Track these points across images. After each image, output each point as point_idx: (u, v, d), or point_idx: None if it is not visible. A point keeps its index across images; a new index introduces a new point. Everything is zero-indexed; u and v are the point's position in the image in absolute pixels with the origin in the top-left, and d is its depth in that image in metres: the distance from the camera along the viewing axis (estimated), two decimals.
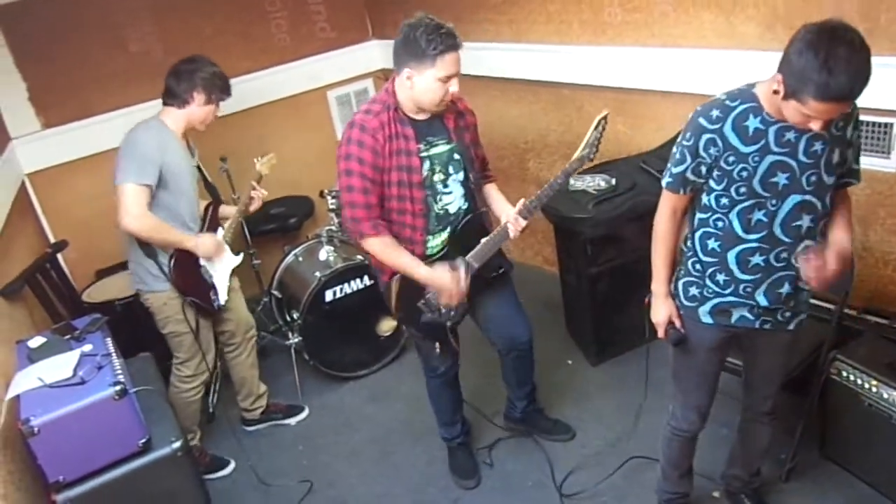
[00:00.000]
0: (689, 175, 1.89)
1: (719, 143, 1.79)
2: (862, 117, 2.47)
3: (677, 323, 2.08)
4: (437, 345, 2.58)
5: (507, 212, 2.46)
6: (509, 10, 3.68)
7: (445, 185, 2.38)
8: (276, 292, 3.72)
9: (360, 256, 3.52)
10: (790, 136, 1.76)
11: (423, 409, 3.09)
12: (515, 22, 3.68)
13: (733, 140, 1.78)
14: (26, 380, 2.04)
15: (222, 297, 2.96)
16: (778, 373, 2.17)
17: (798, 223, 1.84)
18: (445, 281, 2.36)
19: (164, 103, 2.74)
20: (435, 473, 2.93)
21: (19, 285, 2.78)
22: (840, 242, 1.86)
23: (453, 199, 2.42)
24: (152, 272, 2.72)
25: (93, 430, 1.96)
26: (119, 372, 2.06)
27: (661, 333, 2.11)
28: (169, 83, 2.72)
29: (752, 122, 1.76)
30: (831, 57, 1.50)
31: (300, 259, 3.69)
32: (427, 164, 2.32)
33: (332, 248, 3.58)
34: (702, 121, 1.82)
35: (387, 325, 3.60)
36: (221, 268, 2.98)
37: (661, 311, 2.10)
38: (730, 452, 2.43)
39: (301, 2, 4.33)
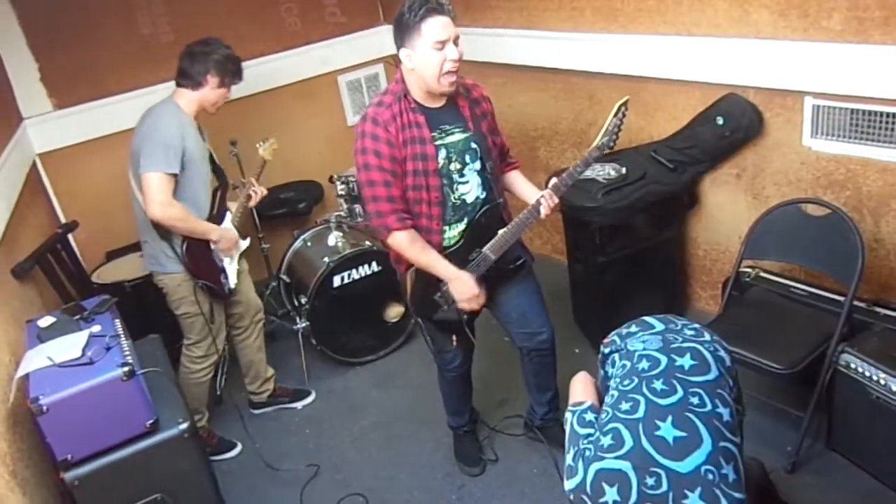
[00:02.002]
0: None
1: None
2: (876, 108, 2.48)
3: None
4: (454, 338, 2.56)
5: (536, 194, 2.41)
6: None
7: (462, 175, 2.35)
8: (284, 277, 3.73)
9: (368, 242, 3.53)
10: None
11: (430, 395, 3.10)
12: (527, 9, 3.65)
13: None
14: (36, 359, 2.06)
15: (232, 281, 2.98)
16: None
17: None
18: (467, 286, 2.36)
19: (178, 84, 2.75)
20: (440, 460, 2.94)
21: (30, 265, 2.79)
22: None
23: (470, 189, 2.38)
24: (167, 254, 2.76)
25: (101, 410, 1.97)
26: (127, 353, 2.07)
27: None
28: (183, 64, 2.73)
29: None
30: None
31: (309, 244, 3.70)
32: (443, 153, 2.30)
33: (340, 234, 3.59)
34: None
35: (394, 312, 3.61)
36: (233, 252, 3.00)
37: None
38: None
39: None
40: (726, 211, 3.20)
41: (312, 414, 3.35)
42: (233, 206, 3.05)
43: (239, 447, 3.15)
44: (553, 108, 3.85)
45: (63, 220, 3.69)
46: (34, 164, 3.61)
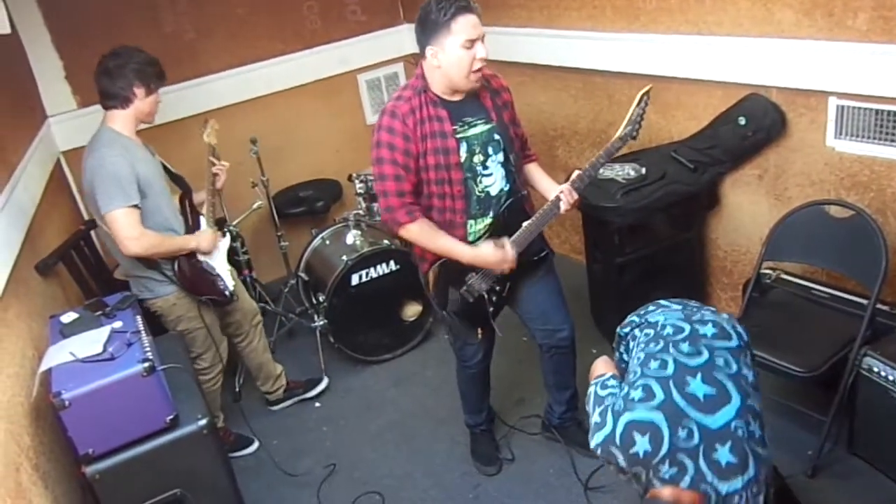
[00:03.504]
0: None
1: None
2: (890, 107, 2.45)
3: None
4: (479, 330, 2.55)
5: (555, 188, 2.41)
6: None
7: (485, 167, 2.34)
8: (302, 275, 3.75)
9: (386, 241, 3.53)
10: None
11: (446, 394, 3.10)
12: (548, 7, 3.64)
13: None
14: (58, 354, 2.08)
15: (230, 284, 2.94)
16: None
17: None
18: (490, 255, 2.33)
19: (106, 108, 2.62)
20: (456, 459, 2.94)
21: (53, 261, 2.82)
22: None
23: (494, 181, 2.37)
24: (156, 279, 2.70)
25: (121, 405, 1.99)
26: (148, 349, 2.09)
27: None
28: (103, 85, 2.59)
29: None
30: None
31: (327, 242, 3.71)
32: (465, 146, 2.29)
33: (358, 233, 3.60)
34: None
35: (412, 310, 3.61)
36: (218, 255, 2.95)
37: None
38: None
39: None
40: (747, 212, 3.17)
41: (329, 412, 3.36)
42: (201, 196, 2.94)
43: (256, 444, 3.16)
44: (572, 107, 3.83)
45: (86, 217, 3.73)
46: (58, 162, 3.66)
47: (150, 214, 2.62)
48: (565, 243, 4.22)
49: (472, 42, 2.15)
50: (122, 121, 2.63)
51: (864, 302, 2.47)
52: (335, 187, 4.29)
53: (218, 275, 2.89)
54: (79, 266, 3.02)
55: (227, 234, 3.08)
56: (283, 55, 4.20)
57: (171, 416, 2.10)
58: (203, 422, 2.14)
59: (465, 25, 2.12)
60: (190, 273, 2.75)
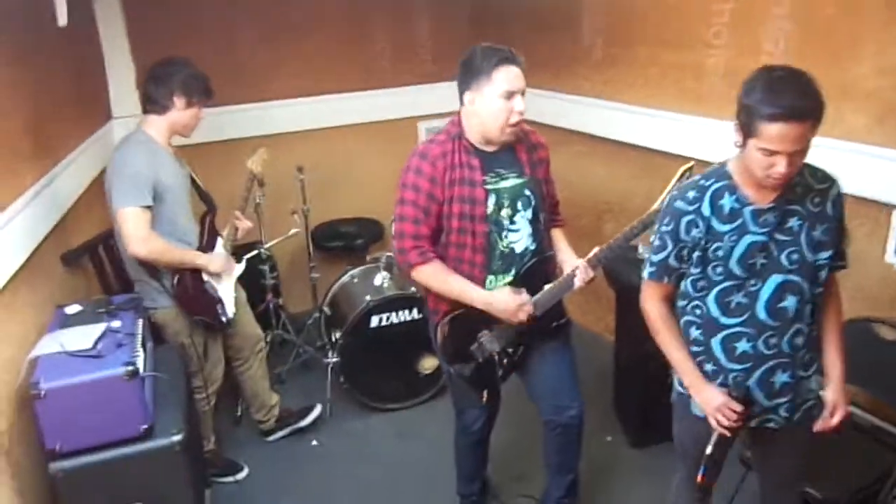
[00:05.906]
0: (671, 262, 1.83)
1: (700, 223, 1.74)
2: None
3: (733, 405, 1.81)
4: (485, 393, 2.44)
5: (570, 262, 2.32)
6: (608, 70, 3.61)
7: (512, 222, 2.26)
8: (326, 309, 3.70)
9: (413, 288, 3.46)
10: (768, 216, 1.73)
11: (446, 456, 2.95)
12: (612, 82, 3.59)
13: (710, 218, 1.74)
14: (49, 343, 2.08)
15: (230, 310, 2.89)
16: (792, 479, 1.99)
17: (783, 304, 1.74)
18: (505, 301, 2.22)
19: (145, 111, 2.67)
20: None
21: (79, 254, 2.86)
22: (835, 390, 1.89)
23: (520, 238, 2.29)
24: (157, 290, 2.68)
25: (97, 406, 1.96)
26: (137, 353, 2.06)
27: (725, 418, 1.80)
28: (147, 89, 2.64)
29: (728, 201, 1.75)
30: (773, 81, 1.57)
31: (355, 280, 3.67)
32: (493, 198, 2.22)
33: (388, 275, 3.54)
34: (679, 204, 1.77)
35: (428, 363, 3.50)
36: (227, 280, 2.92)
37: (713, 396, 1.83)
38: None
39: (408, 33, 4.42)
40: None
41: (324, 453, 3.26)
42: (224, 231, 2.97)
43: (245, 471, 3.08)
44: (627, 183, 3.73)
45: None
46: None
47: (164, 221, 2.62)
48: (600, 321, 4.06)
49: (512, 94, 2.11)
50: (156, 127, 2.66)
51: None
52: (377, 227, 4.28)
53: (220, 299, 2.85)
54: (104, 263, 3.04)
55: (243, 262, 3.05)
56: (347, 92, 4.26)
57: (145, 426, 2.04)
58: (177, 437, 2.08)
59: (506, 76, 2.09)
60: (191, 290, 2.72)
